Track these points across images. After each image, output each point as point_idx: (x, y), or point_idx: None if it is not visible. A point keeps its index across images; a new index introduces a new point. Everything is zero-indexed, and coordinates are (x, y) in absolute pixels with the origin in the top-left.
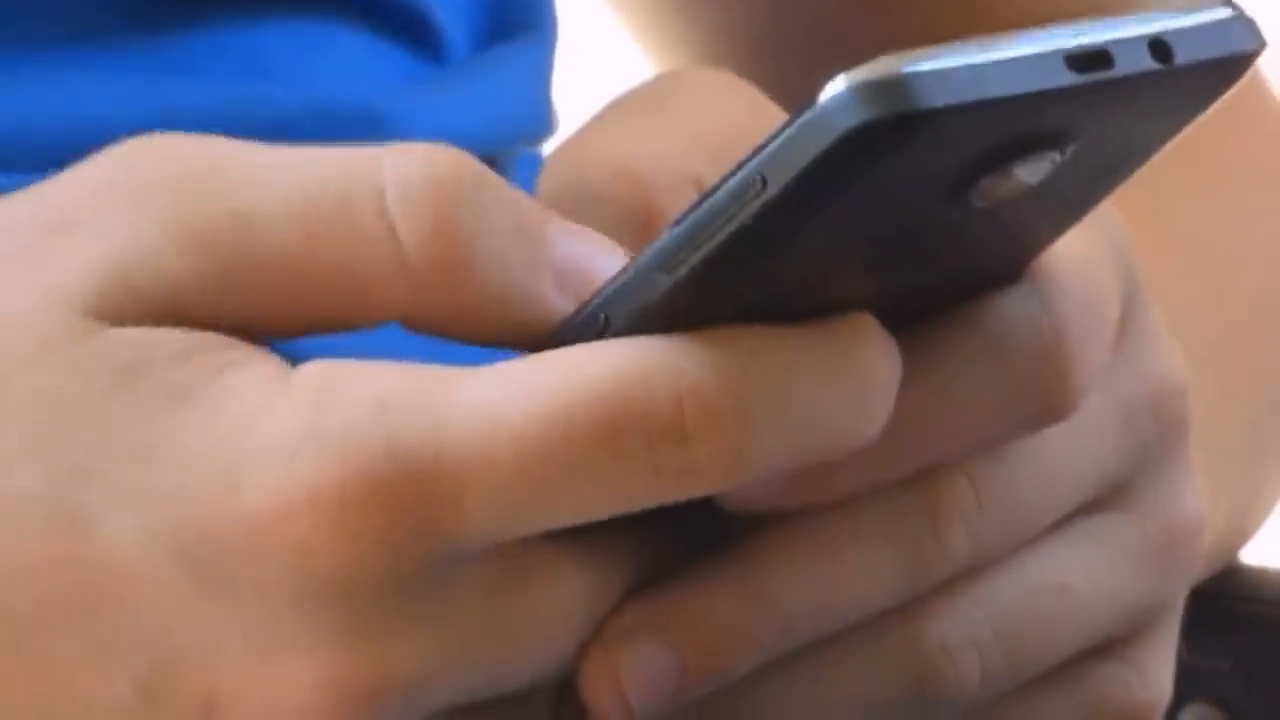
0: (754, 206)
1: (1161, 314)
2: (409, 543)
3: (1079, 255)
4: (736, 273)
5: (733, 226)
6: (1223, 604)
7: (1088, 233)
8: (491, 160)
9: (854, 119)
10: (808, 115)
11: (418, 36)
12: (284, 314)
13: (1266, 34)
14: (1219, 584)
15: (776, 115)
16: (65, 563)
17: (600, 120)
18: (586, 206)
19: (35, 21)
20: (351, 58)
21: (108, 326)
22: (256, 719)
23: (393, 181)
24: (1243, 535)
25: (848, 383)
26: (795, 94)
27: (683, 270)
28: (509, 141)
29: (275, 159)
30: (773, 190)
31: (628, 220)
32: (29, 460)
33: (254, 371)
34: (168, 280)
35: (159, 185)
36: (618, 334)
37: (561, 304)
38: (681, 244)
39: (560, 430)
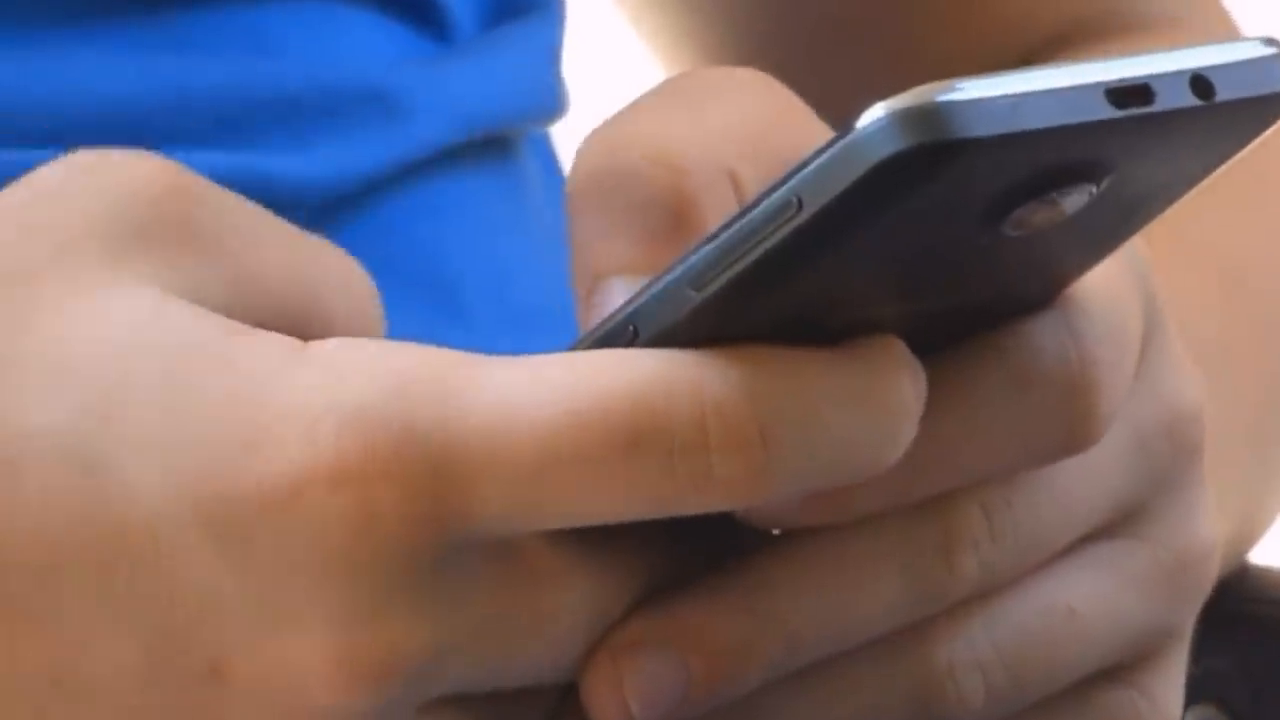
0: (788, 228)
1: (1172, 320)
2: (422, 523)
3: (1105, 284)
4: (766, 292)
5: (765, 247)
6: (1227, 606)
7: (1111, 258)
8: (501, 138)
9: (891, 147)
10: (845, 140)
11: (424, 14)
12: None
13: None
14: (1223, 586)
15: (808, 116)
16: (80, 506)
17: (636, 107)
18: (620, 190)
19: (43, 2)
20: (357, 35)
21: (133, 283)
22: (262, 687)
23: None
24: (1249, 539)
25: (872, 408)
26: (800, 90)
27: (712, 288)
28: (517, 121)
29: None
30: (807, 213)
31: (660, 206)
32: (51, 399)
33: (271, 339)
34: (177, 229)
35: (137, 166)
36: (645, 345)
37: None
38: (713, 262)
39: (582, 429)
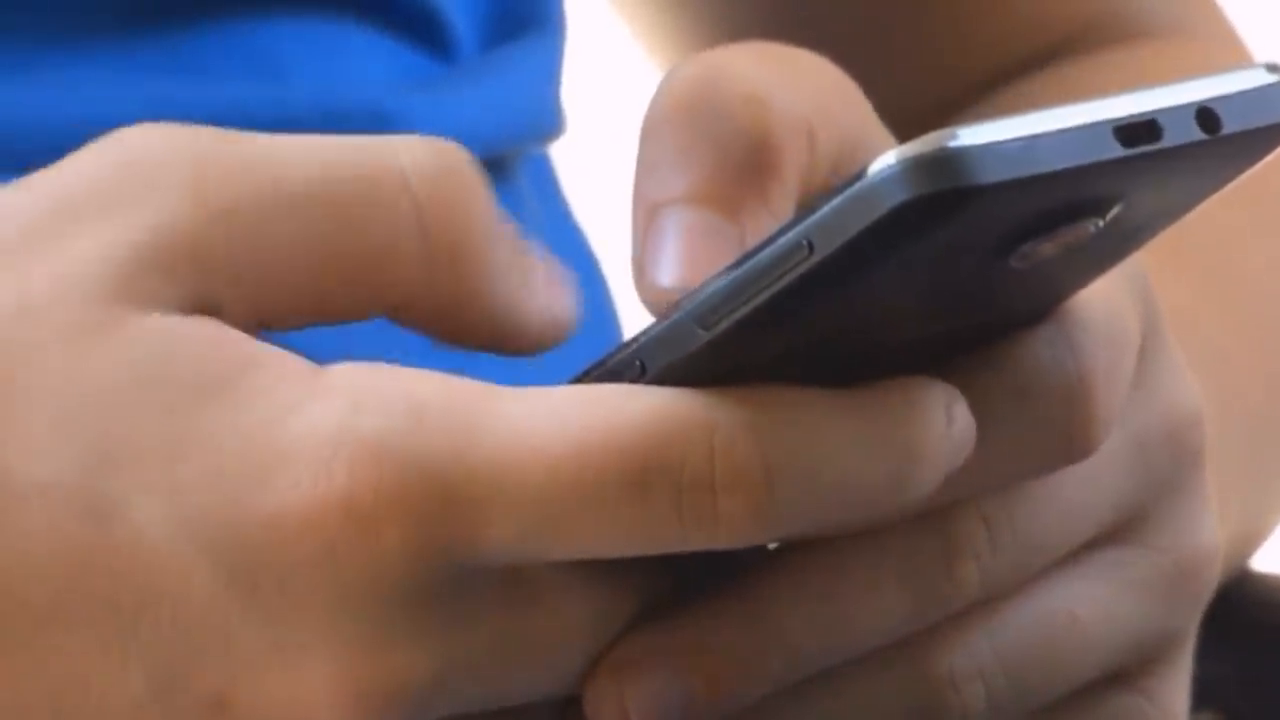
0: (798, 271)
1: (1170, 326)
2: (432, 553)
3: (1102, 294)
4: (774, 332)
5: (775, 289)
6: (1227, 612)
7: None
8: (500, 160)
9: (903, 195)
10: (857, 186)
11: (428, 34)
12: (299, 296)
13: (1266, 32)
14: (1223, 592)
15: (869, 106)
16: (87, 554)
17: (728, 50)
18: (708, 119)
19: (47, 18)
20: (362, 56)
21: (135, 313)
22: (267, 718)
23: (412, 166)
24: (1249, 545)
25: (883, 454)
26: None
27: (721, 327)
28: (518, 141)
29: (291, 141)
30: (818, 257)
31: (743, 141)
32: (55, 447)
33: (285, 365)
34: (195, 260)
35: (179, 165)
36: (654, 381)
37: (540, 327)
38: (722, 301)
39: (592, 464)
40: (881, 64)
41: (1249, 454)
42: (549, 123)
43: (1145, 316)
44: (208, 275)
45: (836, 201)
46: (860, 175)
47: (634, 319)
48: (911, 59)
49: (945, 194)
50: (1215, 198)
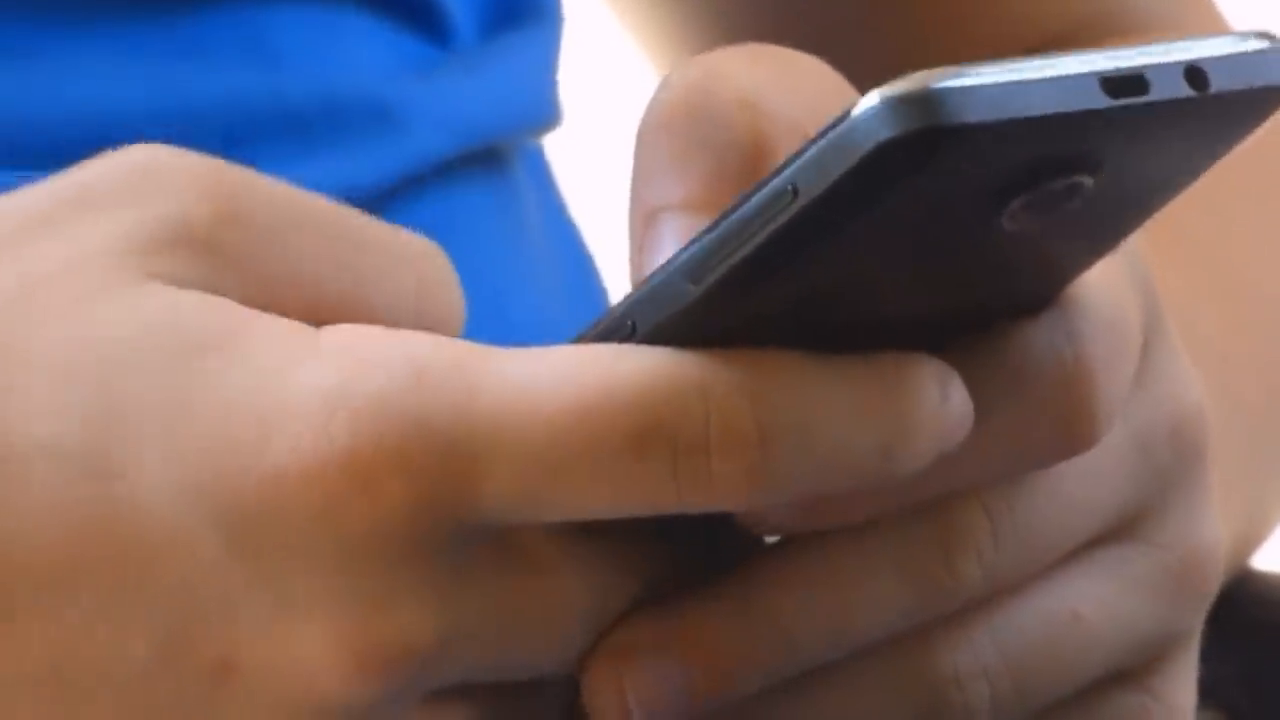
0: (784, 216)
1: (1172, 322)
2: (432, 511)
3: (1104, 284)
4: (763, 285)
5: (761, 236)
6: (1229, 612)
7: (1110, 260)
8: (497, 150)
9: (885, 133)
10: (840, 127)
11: (426, 23)
12: (294, 312)
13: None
14: (1225, 591)
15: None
16: (88, 515)
17: (722, 54)
18: (702, 124)
19: (48, 3)
20: (359, 44)
21: (142, 280)
22: (270, 680)
23: (411, 240)
24: (1252, 544)
25: (875, 422)
26: None
27: (710, 279)
28: (515, 130)
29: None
30: (803, 200)
31: (738, 147)
32: (57, 408)
33: (284, 326)
34: (206, 252)
35: (198, 174)
36: (645, 339)
37: None
38: (710, 253)
39: (591, 424)
40: (875, 62)
41: (1249, 452)
42: (546, 113)
43: (1147, 310)
44: (216, 269)
45: (819, 144)
46: (844, 117)
47: None
48: (905, 56)
49: (927, 131)
50: (1215, 192)
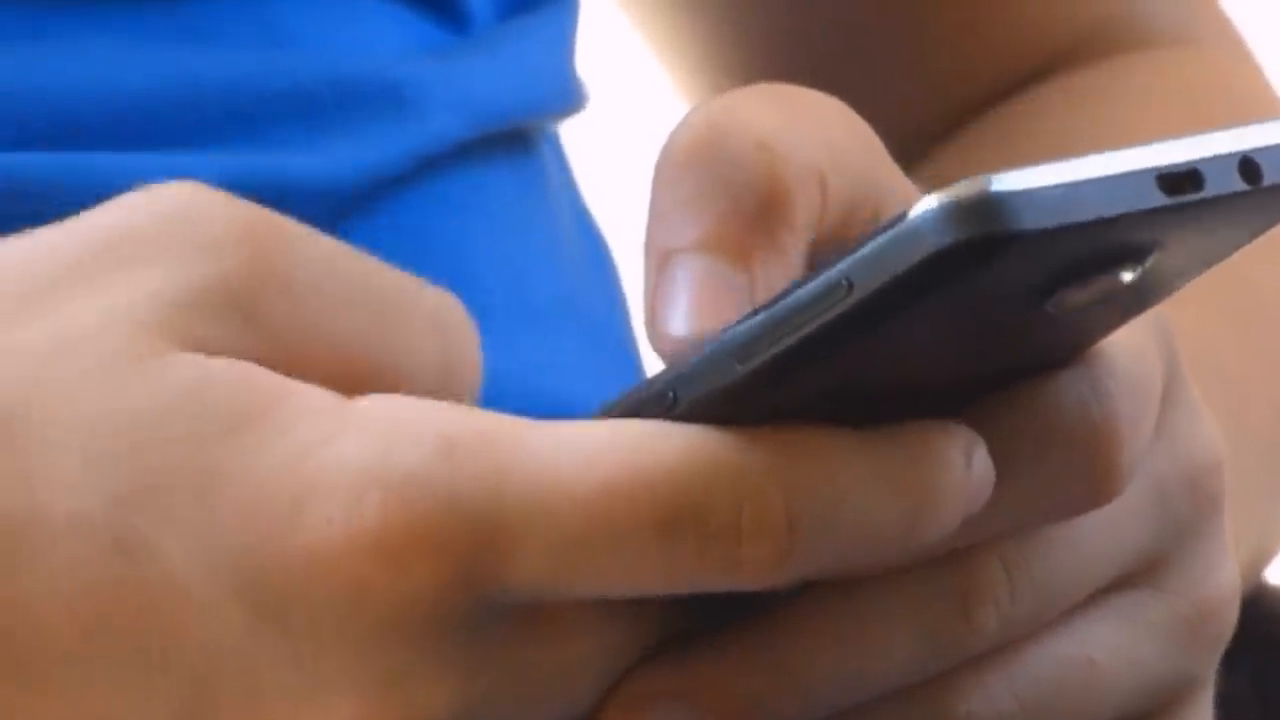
0: (836, 310)
1: (1186, 351)
2: (460, 589)
3: (1129, 340)
4: (810, 369)
5: (812, 326)
6: (1241, 626)
7: None
8: (519, 132)
9: (944, 239)
10: (898, 228)
11: (439, 4)
12: (324, 377)
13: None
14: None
15: (884, 151)
16: (116, 590)
17: (738, 95)
18: (718, 166)
19: None
20: (374, 25)
21: (173, 349)
22: None
23: (437, 299)
24: (1263, 563)
25: (900, 497)
26: None
27: (756, 362)
28: (534, 113)
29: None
30: (857, 296)
31: (754, 188)
32: (88, 482)
33: (313, 398)
34: (243, 315)
35: (238, 226)
36: (684, 414)
37: None
38: (759, 336)
39: (622, 506)
40: (886, 76)
41: (1263, 478)
42: (566, 96)
43: (1167, 360)
44: (247, 332)
45: (877, 242)
46: (901, 217)
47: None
48: (916, 70)
49: (987, 239)
50: None
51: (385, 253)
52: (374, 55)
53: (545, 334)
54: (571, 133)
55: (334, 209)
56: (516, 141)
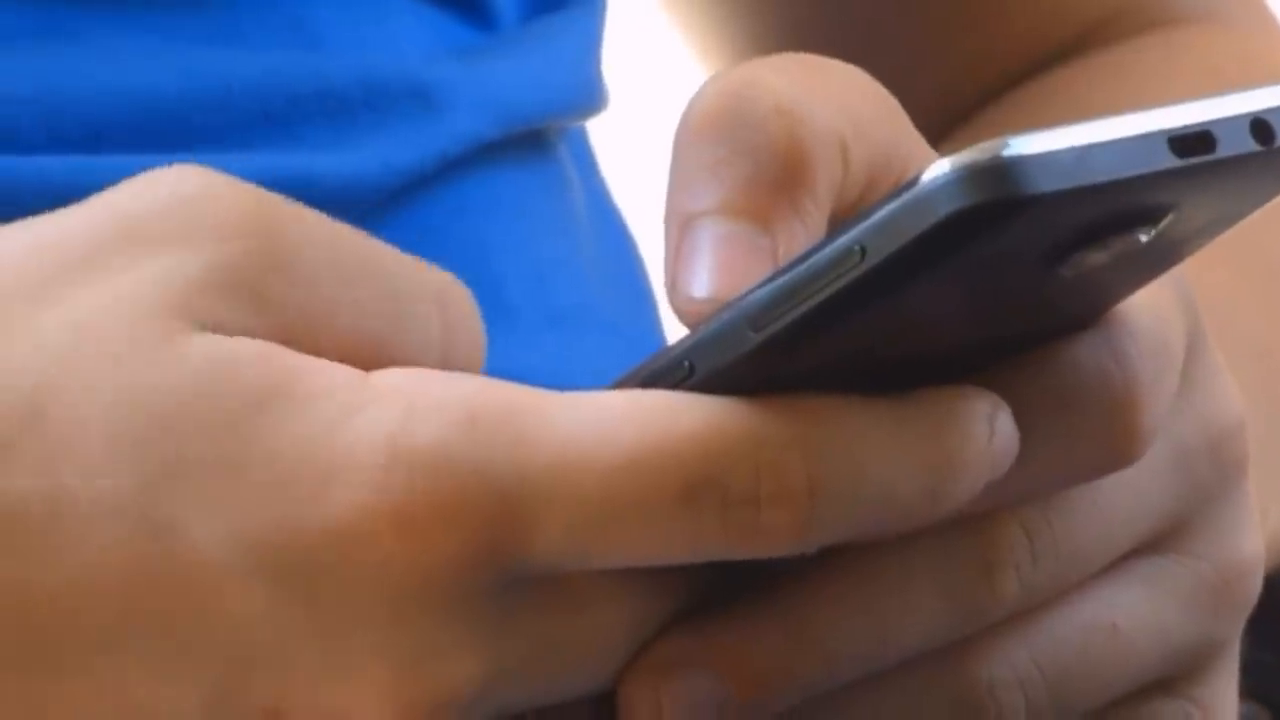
0: (850, 275)
1: (1210, 319)
2: (484, 562)
3: (1148, 302)
4: (824, 336)
5: (826, 292)
6: (1268, 601)
7: None
8: (540, 133)
9: (957, 203)
10: (911, 193)
11: (466, 5)
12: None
13: None
14: (1265, 581)
15: (906, 119)
16: (147, 572)
17: (760, 63)
18: (739, 131)
19: None
20: (401, 25)
21: (190, 330)
22: None
23: (442, 281)
24: None
25: (923, 466)
26: None
27: (771, 329)
28: (558, 113)
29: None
30: (871, 262)
31: (775, 154)
32: (115, 465)
33: (334, 374)
34: (254, 298)
35: (249, 211)
36: (700, 383)
37: None
38: (773, 303)
39: (643, 475)
40: (915, 56)
41: None
42: (589, 96)
43: (1189, 323)
44: (259, 313)
45: (890, 208)
46: (914, 182)
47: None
48: (945, 49)
49: (999, 203)
50: None
51: (410, 253)
52: (402, 56)
53: (567, 334)
54: (599, 130)
55: (361, 209)
56: (538, 142)
